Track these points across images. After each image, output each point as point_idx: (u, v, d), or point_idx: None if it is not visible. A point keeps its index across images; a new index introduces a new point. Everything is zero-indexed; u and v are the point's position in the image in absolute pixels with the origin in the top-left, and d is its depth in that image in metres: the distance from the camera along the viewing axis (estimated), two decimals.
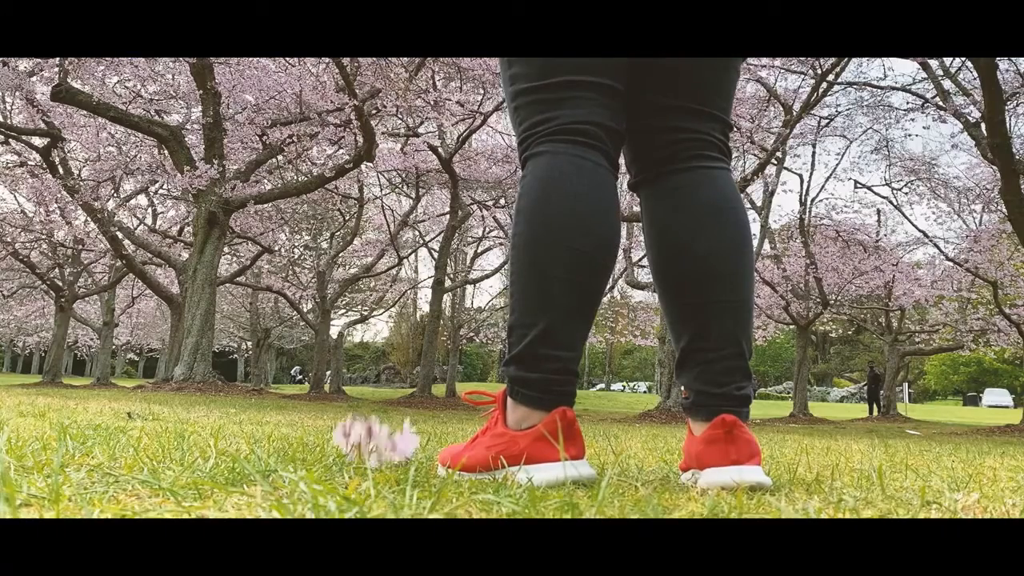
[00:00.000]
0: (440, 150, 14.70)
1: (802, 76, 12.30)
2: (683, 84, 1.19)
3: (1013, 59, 10.45)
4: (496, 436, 1.11)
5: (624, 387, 46.97)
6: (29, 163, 15.66)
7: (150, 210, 18.92)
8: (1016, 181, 8.23)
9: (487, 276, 22.25)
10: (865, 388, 23.89)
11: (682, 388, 1.21)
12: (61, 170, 13.62)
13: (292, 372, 45.88)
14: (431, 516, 0.69)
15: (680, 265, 1.18)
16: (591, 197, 1.11)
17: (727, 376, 1.14)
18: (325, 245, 20.37)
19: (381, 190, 19.16)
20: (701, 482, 1.09)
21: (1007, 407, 36.42)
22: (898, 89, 12.83)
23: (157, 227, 18.42)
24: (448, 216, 16.70)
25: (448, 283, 19.20)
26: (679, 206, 1.19)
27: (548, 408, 1.08)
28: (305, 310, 21.17)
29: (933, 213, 16.89)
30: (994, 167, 9.72)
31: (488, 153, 16.94)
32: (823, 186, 33.06)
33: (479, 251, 22.93)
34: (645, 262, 19.43)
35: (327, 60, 11.36)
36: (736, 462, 1.07)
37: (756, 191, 16.57)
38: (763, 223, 16.09)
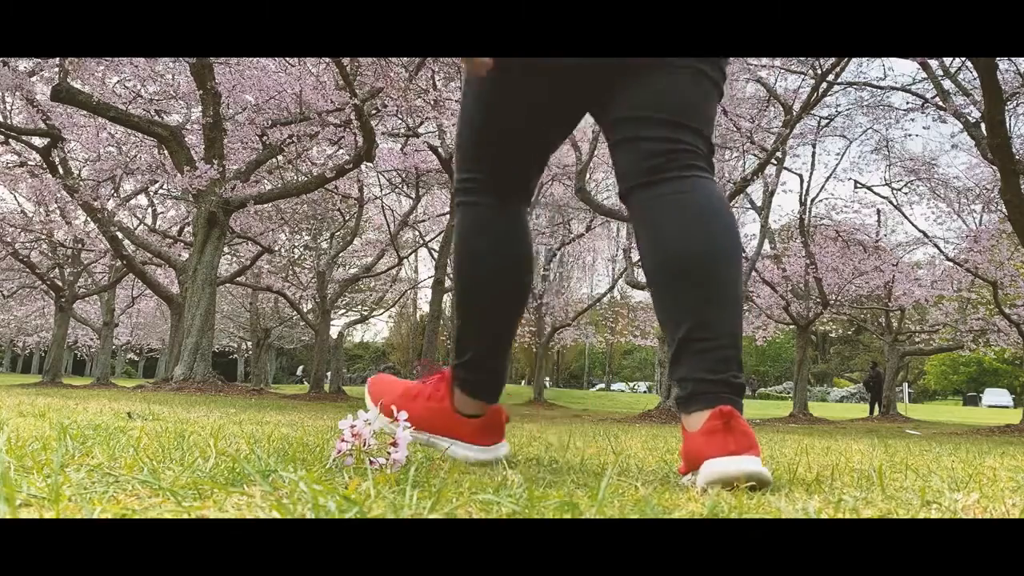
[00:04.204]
0: (440, 150, 14.70)
1: (802, 76, 12.29)
2: (670, 101, 1.24)
3: (1013, 59, 10.44)
4: (441, 412, 1.39)
5: (626, 387, 46.90)
6: (29, 163, 15.65)
7: (150, 210, 18.91)
8: (1016, 181, 8.22)
9: None
10: (865, 386, 23.88)
11: (675, 382, 1.22)
12: (61, 170, 13.61)
13: (296, 373, 45.85)
14: (431, 516, 0.69)
15: (678, 264, 1.21)
16: (499, 259, 1.37)
17: (723, 364, 1.16)
18: (325, 245, 20.35)
19: (381, 190, 19.16)
20: (702, 473, 1.08)
21: (1007, 407, 36.39)
22: (898, 89, 12.81)
23: (157, 227, 18.41)
24: (448, 216, 16.70)
25: (448, 283, 19.21)
26: (675, 207, 1.22)
27: (482, 399, 1.39)
28: (305, 310, 21.16)
29: (933, 213, 16.86)
30: (994, 167, 9.71)
31: None
32: (823, 186, 33.04)
33: None
34: None
35: (327, 60, 11.36)
36: (735, 453, 1.08)
37: (756, 191, 16.55)
38: (763, 223, 16.07)
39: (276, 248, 19.03)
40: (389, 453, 1.11)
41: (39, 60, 11.95)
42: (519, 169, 1.37)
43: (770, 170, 14.02)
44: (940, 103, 11.08)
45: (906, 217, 17.13)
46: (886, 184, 16.83)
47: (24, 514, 0.63)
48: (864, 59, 12.17)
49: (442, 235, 17.66)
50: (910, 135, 22.77)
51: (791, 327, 18.59)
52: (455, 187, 1.41)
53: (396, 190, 19.62)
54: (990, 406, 38.35)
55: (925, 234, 16.95)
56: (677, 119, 1.23)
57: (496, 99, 1.31)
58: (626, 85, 1.25)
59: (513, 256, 1.36)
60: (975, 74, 9.19)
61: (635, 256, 17.03)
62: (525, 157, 1.37)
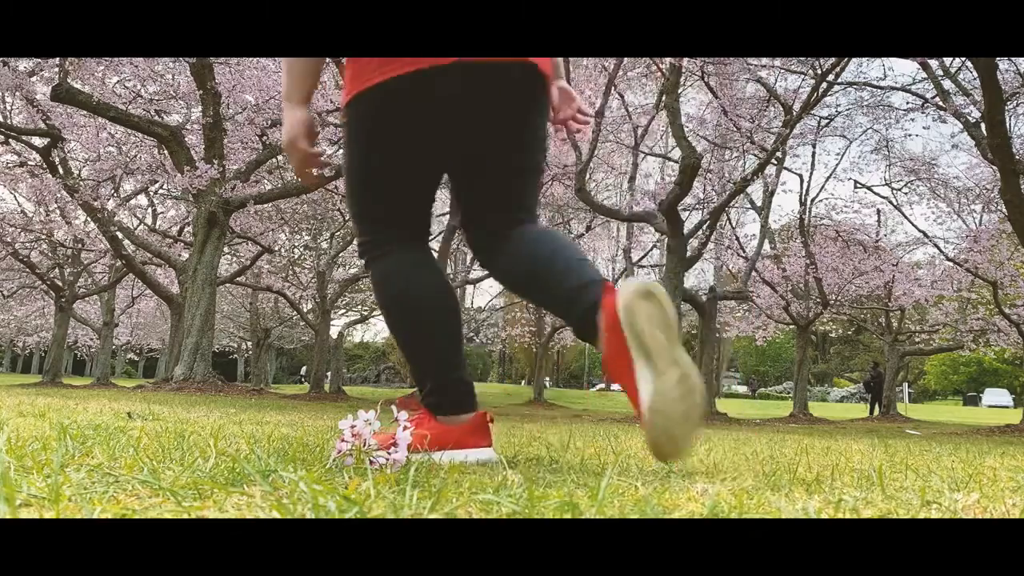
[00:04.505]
0: None
1: (802, 76, 12.28)
2: (507, 195, 1.53)
3: (1013, 59, 10.44)
4: (431, 426, 1.46)
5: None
6: (29, 163, 15.65)
7: (150, 210, 18.91)
8: (1016, 181, 8.22)
9: (487, 276, 22.21)
10: (864, 387, 23.87)
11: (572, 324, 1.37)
12: (61, 170, 13.61)
13: (300, 373, 45.89)
14: (431, 516, 0.69)
15: (531, 275, 1.46)
16: (426, 287, 1.50)
17: (592, 286, 1.38)
18: (325, 245, 20.35)
19: None
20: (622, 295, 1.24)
21: (1007, 407, 36.37)
22: (898, 89, 12.81)
23: (157, 227, 18.41)
24: (448, 216, 16.70)
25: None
26: (513, 251, 1.49)
27: (459, 413, 1.48)
28: (305, 310, 21.15)
29: (933, 213, 16.85)
30: (994, 167, 9.71)
31: None
32: (823, 186, 33.01)
33: None
34: (645, 262, 19.52)
35: (327, 60, 11.35)
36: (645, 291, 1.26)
37: (756, 191, 16.55)
38: (763, 223, 16.06)
39: (276, 248, 19.02)
40: (389, 453, 1.11)
41: (39, 60, 11.95)
42: (408, 218, 1.55)
43: (770, 170, 14.02)
44: (940, 103, 11.08)
45: (906, 217, 17.14)
46: (886, 184, 16.83)
47: (24, 514, 0.63)
48: (864, 59, 12.16)
49: (442, 235, 17.65)
50: (910, 135, 22.77)
51: (791, 327, 18.59)
52: (359, 251, 1.56)
53: None
54: (990, 406, 38.32)
55: (925, 234, 16.95)
56: (515, 203, 1.53)
57: (371, 169, 1.49)
58: (476, 173, 1.51)
59: (432, 288, 1.51)
60: (975, 74, 9.19)
61: (635, 256, 17.03)
62: (409, 208, 1.54)
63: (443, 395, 1.49)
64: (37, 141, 13.77)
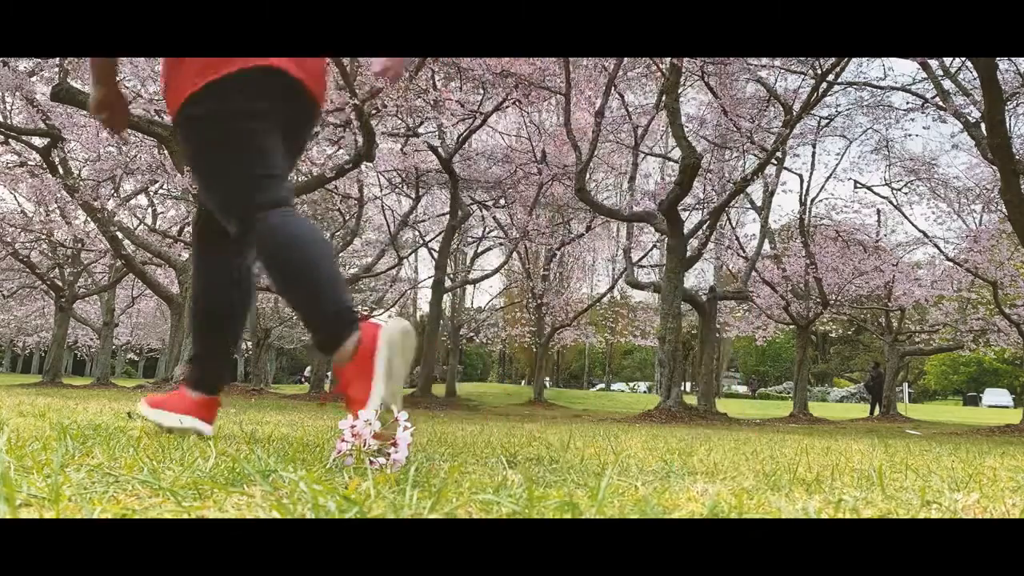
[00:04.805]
0: (440, 150, 14.67)
1: (802, 76, 12.28)
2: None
3: (1013, 59, 10.44)
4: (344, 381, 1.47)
5: (626, 387, 46.83)
6: (29, 163, 15.65)
7: (150, 210, 18.90)
8: (1016, 181, 8.21)
9: (487, 276, 22.23)
10: (865, 388, 23.84)
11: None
12: (61, 170, 13.61)
13: (305, 374, 46.06)
14: (431, 516, 0.69)
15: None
16: (315, 230, 1.61)
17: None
18: None
19: (381, 190, 19.13)
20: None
21: (1007, 407, 36.35)
22: (898, 89, 12.81)
23: (157, 227, 18.40)
24: (448, 216, 16.70)
25: (448, 283, 19.19)
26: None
27: (354, 334, 1.48)
28: None
29: (933, 213, 16.85)
30: (994, 167, 9.71)
31: (488, 153, 16.93)
32: (823, 186, 33.04)
33: (479, 251, 22.94)
34: (645, 262, 19.51)
35: (327, 60, 11.34)
36: None
37: (756, 191, 16.55)
38: (763, 223, 16.06)
39: None
40: (389, 453, 1.11)
41: (39, 60, 11.95)
42: (285, 180, 1.67)
43: (770, 170, 14.02)
44: (940, 103, 11.07)
45: (906, 217, 17.13)
46: (886, 184, 16.83)
47: (24, 514, 0.63)
48: (864, 59, 12.16)
49: (442, 235, 17.66)
50: (910, 135, 22.78)
51: (791, 327, 18.59)
52: (240, 223, 1.60)
53: (396, 190, 19.61)
54: (990, 406, 38.31)
55: (925, 234, 16.95)
56: None
57: (258, 132, 1.61)
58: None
59: (318, 231, 1.61)
60: (975, 74, 9.19)
61: (635, 256, 17.02)
62: (279, 172, 1.66)
63: (338, 325, 1.51)
64: (37, 141, 13.77)
